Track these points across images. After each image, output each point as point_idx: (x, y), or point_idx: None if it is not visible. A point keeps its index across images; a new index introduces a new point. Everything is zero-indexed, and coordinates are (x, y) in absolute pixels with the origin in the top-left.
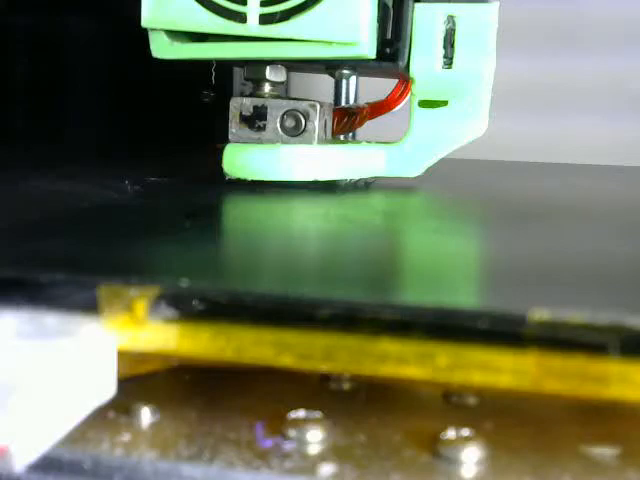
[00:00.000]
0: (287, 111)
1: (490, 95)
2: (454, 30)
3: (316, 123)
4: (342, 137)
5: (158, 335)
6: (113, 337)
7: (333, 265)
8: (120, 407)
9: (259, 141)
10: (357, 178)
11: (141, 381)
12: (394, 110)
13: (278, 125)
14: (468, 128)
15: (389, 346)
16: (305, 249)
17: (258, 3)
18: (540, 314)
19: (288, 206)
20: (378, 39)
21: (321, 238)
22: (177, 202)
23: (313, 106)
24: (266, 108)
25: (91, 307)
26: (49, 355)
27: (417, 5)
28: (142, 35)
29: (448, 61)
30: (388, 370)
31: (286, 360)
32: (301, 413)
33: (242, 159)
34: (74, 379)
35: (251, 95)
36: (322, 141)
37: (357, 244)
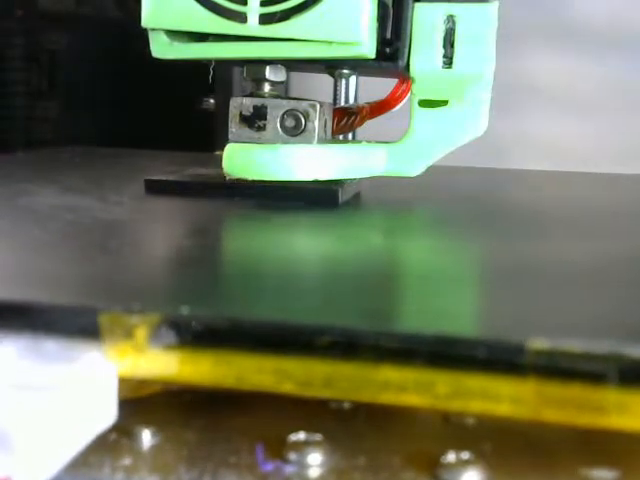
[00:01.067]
0: (287, 111)
1: (490, 95)
2: (454, 30)
3: (316, 123)
4: (342, 137)
5: (159, 362)
6: (114, 364)
7: (333, 290)
8: (121, 429)
9: (259, 141)
10: (354, 180)
11: (141, 402)
12: (394, 110)
13: (278, 125)
14: (468, 128)
15: (389, 374)
16: (304, 273)
17: (258, 3)
18: (539, 343)
19: (287, 226)
20: (378, 39)
21: (320, 261)
22: (178, 218)
23: (313, 106)
24: (266, 108)
25: (92, 333)
26: (50, 384)
27: (417, 5)
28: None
29: (448, 61)
30: (388, 398)
31: (287, 387)
32: (301, 436)
33: (242, 159)
34: (75, 407)
35: (251, 95)
36: (322, 141)
37: (356, 267)
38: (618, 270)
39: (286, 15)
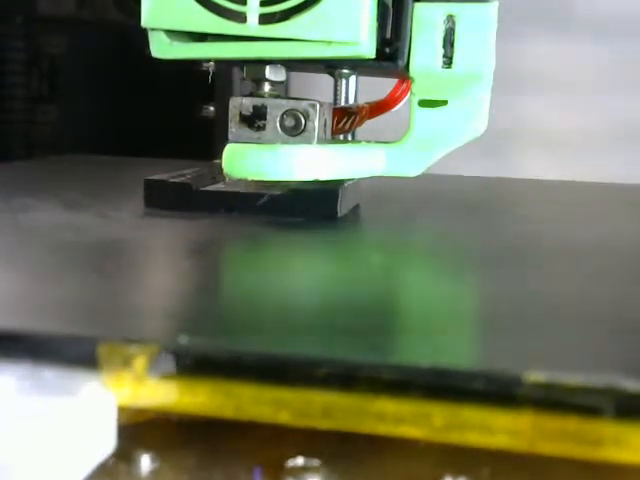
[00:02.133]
0: (287, 111)
1: (490, 95)
2: (454, 29)
3: (316, 123)
4: (342, 137)
5: (158, 392)
6: (113, 394)
7: (331, 321)
8: (119, 454)
9: (259, 141)
10: (353, 180)
11: (140, 427)
12: (394, 109)
13: (278, 125)
14: (468, 128)
15: (386, 405)
16: (302, 303)
17: (258, 3)
18: (535, 376)
19: (286, 249)
20: (378, 38)
21: (318, 289)
22: (175, 238)
23: (313, 106)
24: (266, 108)
25: (91, 362)
26: (50, 414)
27: (417, 4)
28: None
29: (448, 60)
30: (385, 429)
31: (285, 418)
32: (300, 461)
33: (242, 159)
34: (75, 437)
35: (251, 95)
36: (322, 141)
37: (354, 297)
38: (614, 303)
39: (286, 15)
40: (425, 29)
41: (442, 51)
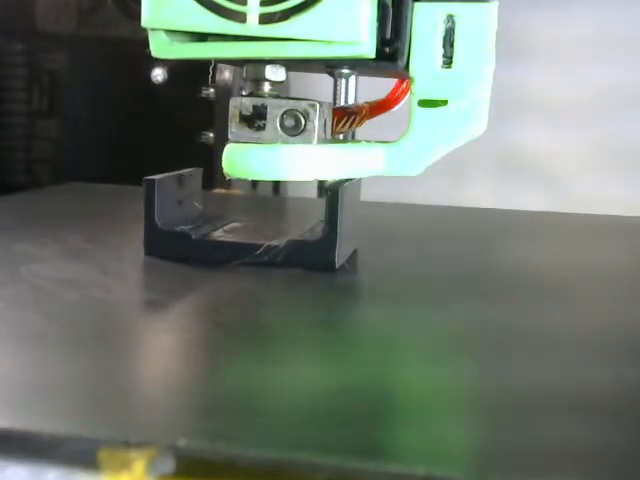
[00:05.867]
0: (287, 111)
1: (490, 95)
2: (454, 29)
3: (316, 123)
4: (342, 137)
5: None
6: None
7: (326, 423)
8: None
9: (259, 141)
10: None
11: None
12: (394, 109)
13: (278, 125)
14: (468, 128)
15: None
16: (298, 403)
17: (258, 3)
18: None
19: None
20: (378, 38)
21: (314, 386)
22: (171, 304)
23: (313, 106)
24: (266, 107)
25: (91, 463)
26: None
27: (417, 4)
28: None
29: (448, 60)
30: None
31: None
32: None
33: (242, 159)
34: None
35: (251, 94)
36: (322, 141)
37: (349, 393)
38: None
39: (286, 15)
40: (425, 29)
41: (442, 51)
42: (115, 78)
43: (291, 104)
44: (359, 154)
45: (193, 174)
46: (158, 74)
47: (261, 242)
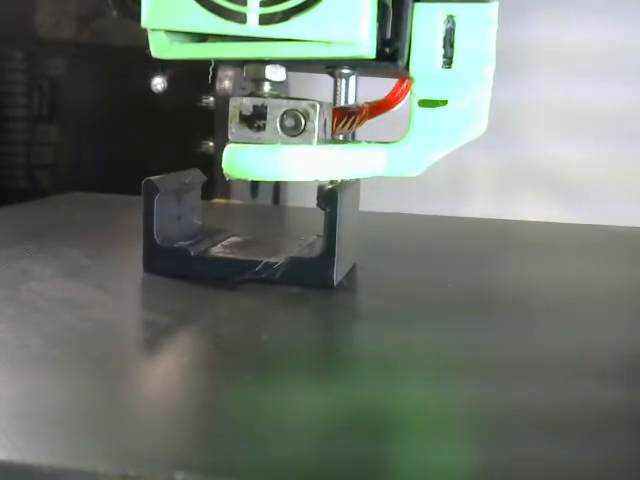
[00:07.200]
0: (287, 111)
1: (490, 95)
2: (454, 30)
3: (316, 123)
4: (342, 137)
5: None
6: None
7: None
8: None
9: (259, 141)
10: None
11: None
12: (394, 109)
13: (278, 125)
14: (468, 128)
15: None
16: (296, 436)
17: (258, 3)
18: None
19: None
20: (378, 39)
21: (314, 414)
22: (172, 326)
23: (313, 106)
24: (266, 108)
25: None
26: None
27: (417, 5)
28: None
29: (448, 61)
30: None
31: None
32: None
33: (242, 159)
34: None
35: (251, 95)
36: (322, 141)
37: (350, 424)
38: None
39: (286, 15)
40: (425, 29)
41: (442, 51)
42: (115, 85)
43: (291, 104)
44: (359, 154)
45: (192, 182)
46: (158, 83)
47: (260, 259)
